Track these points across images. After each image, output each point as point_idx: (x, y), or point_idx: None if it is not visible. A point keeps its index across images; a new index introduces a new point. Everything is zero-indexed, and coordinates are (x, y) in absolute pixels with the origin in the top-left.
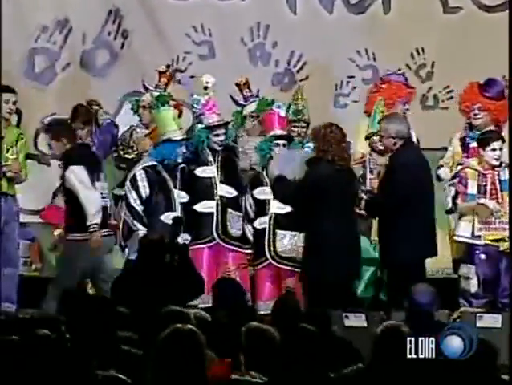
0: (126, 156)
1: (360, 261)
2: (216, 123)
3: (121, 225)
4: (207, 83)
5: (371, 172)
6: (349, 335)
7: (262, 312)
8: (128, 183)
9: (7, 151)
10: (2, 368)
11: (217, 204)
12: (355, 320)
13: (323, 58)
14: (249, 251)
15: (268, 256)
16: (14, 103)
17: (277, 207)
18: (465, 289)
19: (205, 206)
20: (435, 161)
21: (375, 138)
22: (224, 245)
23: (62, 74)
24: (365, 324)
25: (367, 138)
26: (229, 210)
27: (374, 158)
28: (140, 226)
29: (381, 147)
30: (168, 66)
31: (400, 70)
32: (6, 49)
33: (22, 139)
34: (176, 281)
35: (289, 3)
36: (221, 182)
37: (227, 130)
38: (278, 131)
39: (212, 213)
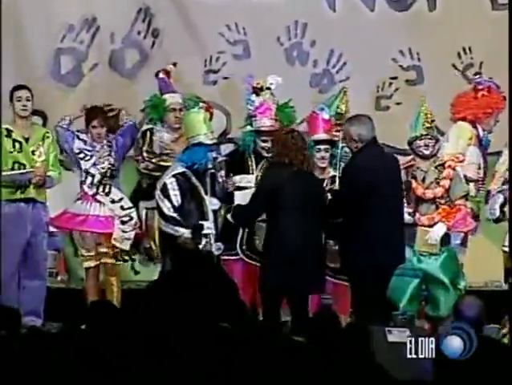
0: (156, 161)
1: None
2: (265, 129)
3: (158, 238)
4: (271, 84)
5: (414, 178)
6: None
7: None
8: (158, 192)
9: (33, 154)
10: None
11: None
12: (399, 335)
13: (364, 58)
14: None
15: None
16: (28, 100)
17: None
18: None
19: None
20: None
21: (419, 142)
22: (247, 260)
23: (90, 75)
24: None
25: (409, 143)
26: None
27: (418, 163)
28: (182, 229)
29: (426, 152)
30: (174, 65)
31: (491, 78)
32: (31, 49)
33: (49, 138)
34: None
35: (328, 0)
36: None
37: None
38: (321, 136)
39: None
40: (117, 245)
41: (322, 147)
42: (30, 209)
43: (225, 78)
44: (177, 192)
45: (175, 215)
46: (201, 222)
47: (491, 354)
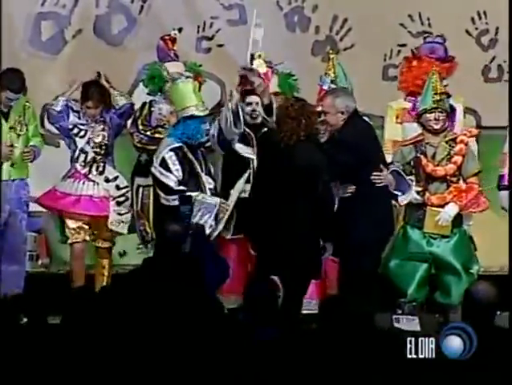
0: (151, 134)
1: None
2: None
3: (152, 219)
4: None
5: (423, 154)
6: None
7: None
8: (159, 168)
9: (12, 129)
10: None
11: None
12: (407, 324)
13: (370, 24)
14: None
15: None
16: None
17: None
18: None
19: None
20: (495, 143)
21: (429, 116)
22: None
23: (73, 42)
24: (418, 328)
25: (418, 116)
26: None
27: (427, 138)
28: (194, 193)
29: (436, 127)
30: (180, 30)
31: (439, 36)
32: (8, 13)
33: (29, 108)
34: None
35: None
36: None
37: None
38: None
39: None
40: (114, 228)
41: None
42: (8, 187)
43: (220, 45)
44: (178, 167)
45: (182, 188)
46: (186, 194)
47: (491, 353)
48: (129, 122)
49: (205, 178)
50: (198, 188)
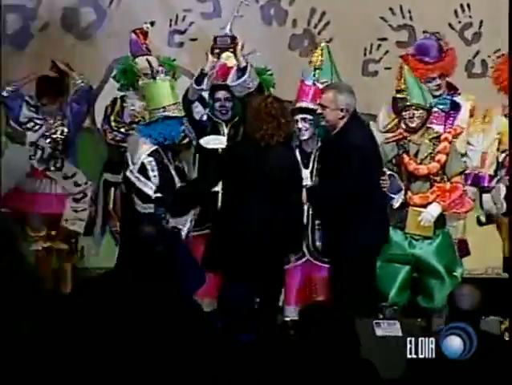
0: (125, 131)
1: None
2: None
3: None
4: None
5: (406, 152)
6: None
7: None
8: (137, 174)
9: None
10: None
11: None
12: (388, 328)
13: (350, 17)
14: None
15: (306, 252)
16: None
17: None
18: None
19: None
20: None
21: (404, 113)
22: None
23: (40, 36)
24: (400, 333)
25: (396, 113)
26: None
27: (410, 136)
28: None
29: (411, 125)
30: (152, 24)
31: (436, 34)
32: None
33: None
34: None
35: None
36: None
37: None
38: (301, 104)
39: (217, 193)
40: (68, 226)
41: (299, 116)
42: None
43: (193, 39)
44: (156, 173)
45: (160, 195)
46: (159, 195)
47: (491, 353)
48: (100, 118)
49: (176, 179)
50: (172, 189)
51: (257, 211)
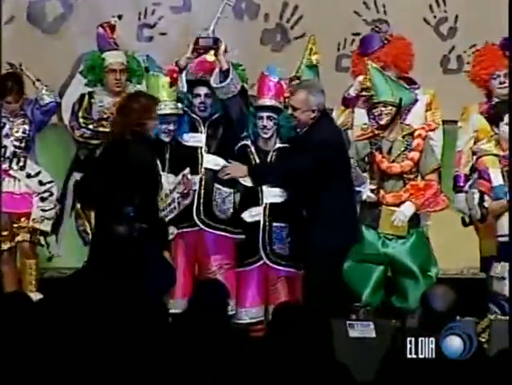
0: (93, 127)
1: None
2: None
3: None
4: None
5: (378, 149)
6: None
7: (245, 321)
8: None
9: None
10: None
11: (201, 179)
12: (362, 329)
13: (323, 12)
14: (239, 236)
15: (263, 254)
16: None
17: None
18: (497, 291)
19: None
20: (454, 138)
21: (374, 110)
22: (207, 229)
23: (5, 29)
24: (374, 334)
25: (370, 109)
26: (217, 185)
27: (382, 133)
28: None
29: (381, 122)
30: (119, 17)
31: (375, 25)
32: None
33: None
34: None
35: None
36: (208, 152)
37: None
38: (265, 101)
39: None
40: (36, 226)
41: (265, 114)
42: None
43: (163, 33)
44: None
45: None
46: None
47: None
48: (68, 115)
49: (165, 177)
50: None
51: None
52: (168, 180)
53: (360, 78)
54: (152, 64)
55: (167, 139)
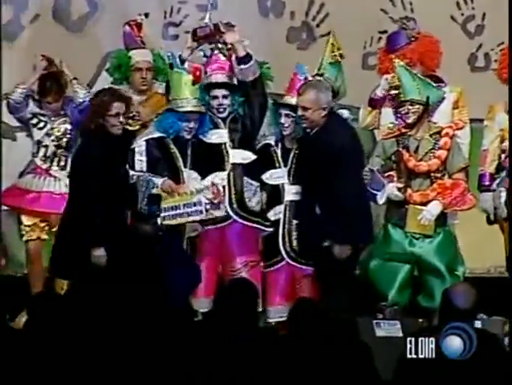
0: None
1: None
2: (214, 81)
3: None
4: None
5: (405, 148)
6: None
7: (274, 320)
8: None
9: None
10: None
11: (229, 175)
12: (389, 329)
13: (349, 10)
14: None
15: (283, 251)
16: None
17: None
18: None
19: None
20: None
21: (400, 109)
22: (241, 221)
23: (30, 27)
24: (400, 333)
25: (396, 108)
26: (246, 179)
27: (409, 131)
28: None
29: (408, 121)
30: (146, 16)
31: (402, 21)
32: None
33: None
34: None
35: None
36: (233, 148)
37: (233, 94)
38: (286, 99)
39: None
40: None
41: (283, 112)
42: None
43: (188, 32)
44: (144, 158)
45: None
46: (155, 193)
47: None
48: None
49: (188, 173)
50: (176, 183)
51: None
52: (190, 176)
53: (387, 77)
54: (175, 61)
55: (188, 137)
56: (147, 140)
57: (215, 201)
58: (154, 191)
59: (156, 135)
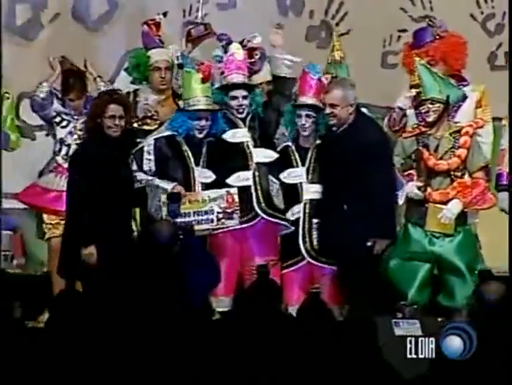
0: (138, 126)
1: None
2: (233, 82)
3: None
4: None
5: (425, 146)
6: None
7: None
8: (132, 157)
9: None
10: None
11: (254, 175)
12: (408, 327)
13: (368, 8)
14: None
15: (303, 250)
16: None
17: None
18: None
19: (239, 179)
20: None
21: (421, 107)
22: (269, 218)
23: (50, 27)
24: (420, 332)
25: (416, 107)
26: (271, 178)
27: (429, 130)
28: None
29: (428, 119)
30: (164, 15)
31: (429, 18)
32: None
33: (8, 98)
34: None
35: None
36: (255, 146)
37: (254, 95)
38: (303, 99)
39: (248, 186)
40: None
41: (303, 112)
42: None
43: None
44: (152, 157)
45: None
46: (174, 191)
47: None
48: None
49: (199, 172)
50: (186, 182)
51: None
52: (202, 175)
53: (406, 94)
54: (185, 60)
55: (200, 136)
56: (156, 139)
57: (229, 210)
58: (163, 198)
59: (166, 133)
